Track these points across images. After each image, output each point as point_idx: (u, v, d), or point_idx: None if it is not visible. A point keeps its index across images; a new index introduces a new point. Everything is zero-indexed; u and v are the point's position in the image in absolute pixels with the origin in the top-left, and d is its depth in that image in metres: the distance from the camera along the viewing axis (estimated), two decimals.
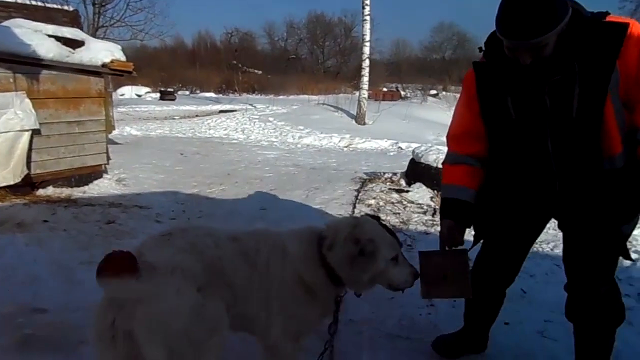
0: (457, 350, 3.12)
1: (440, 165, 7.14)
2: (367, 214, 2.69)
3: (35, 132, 5.76)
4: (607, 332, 2.59)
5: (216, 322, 2.20)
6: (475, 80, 2.46)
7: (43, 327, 3.06)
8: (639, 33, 2.09)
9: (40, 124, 5.79)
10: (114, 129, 8.74)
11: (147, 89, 38.48)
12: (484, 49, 2.38)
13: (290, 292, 2.34)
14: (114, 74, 6.62)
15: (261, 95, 39.97)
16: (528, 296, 4.13)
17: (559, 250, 5.06)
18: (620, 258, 2.43)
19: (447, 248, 2.68)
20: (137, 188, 6.93)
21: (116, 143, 11.11)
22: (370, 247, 2.25)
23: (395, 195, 6.83)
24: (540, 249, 5.18)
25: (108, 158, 7.03)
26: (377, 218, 2.48)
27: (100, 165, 6.81)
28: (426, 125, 20.55)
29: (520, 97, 2.29)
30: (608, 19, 2.14)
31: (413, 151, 7.48)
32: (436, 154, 7.00)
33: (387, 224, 2.61)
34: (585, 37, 2.10)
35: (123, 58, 6.49)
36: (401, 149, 13.93)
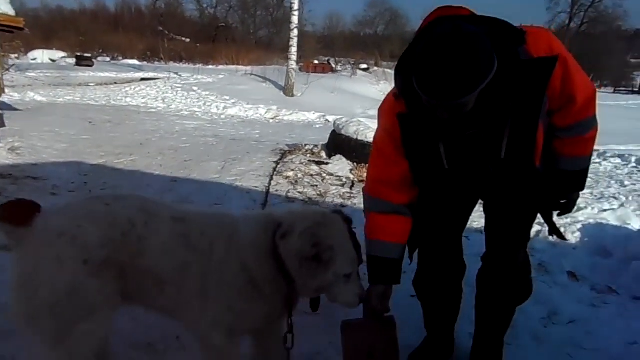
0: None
1: (360, 138, 7.13)
2: (336, 212, 2.20)
3: None
4: (512, 304, 2.59)
5: (93, 305, 1.97)
6: (400, 132, 2.21)
7: None
8: (559, 48, 2.03)
9: None
10: (3, 92, 7.86)
11: (63, 54, 35.65)
12: (399, 95, 2.14)
13: (232, 281, 2.07)
14: (1, 30, 5.89)
15: (189, 64, 38.29)
16: None
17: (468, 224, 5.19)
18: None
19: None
20: (33, 158, 6.30)
21: (14, 109, 10.10)
22: (327, 255, 1.98)
23: (314, 167, 6.71)
24: None
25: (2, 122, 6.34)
26: (349, 221, 2.15)
27: None
28: (354, 98, 20.64)
29: (449, 145, 2.15)
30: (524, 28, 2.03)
31: (334, 123, 7.38)
32: (356, 126, 6.94)
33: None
34: (514, 81, 1.96)
35: (12, 12, 5.78)
36: (328, 121, 13.81)
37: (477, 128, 2.05)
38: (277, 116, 14.52)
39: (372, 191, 2.38)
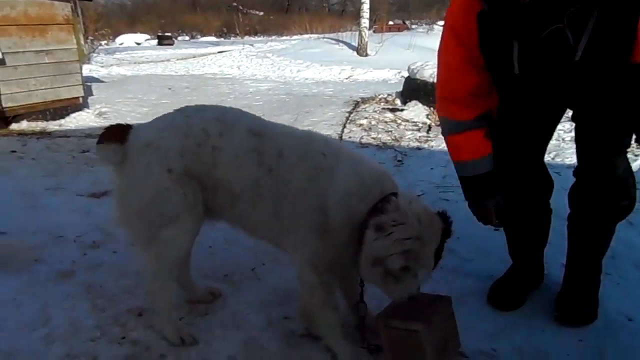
0: (520, 296, 2.56)
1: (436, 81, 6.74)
2: (440, 214, 1.90)
3: None
4: (612, 219, 2.30)
5: (176, 212, 2.06)
6: (478, 31, 2.01)
7: None
8: None
9: (3, 53, 5.43)
10: (88, 60, 8.32)
11: (147, 37, 37.64)
12: None
13: (305, 217, 1.98)
14: None
15: (263, 37, 38.76)
16: None
17: (559, 159, 4.75)
18: None
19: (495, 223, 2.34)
20: (118, 121, 6.64)
21: (100, 81, 10.73)
22: (404, 274, 1.80)
23: (389, 115, 6.47)
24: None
25: (85, 91, 6.70)
26: (448, 224, 1.90)
27: (77, 98, 6.49)
28: (432, 54, 19.64)
29: (523, 45, 1.93)
30: None
31: (408, 68, 7.02)
32: (432, 69, 6.55)
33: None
34: None
35: None
36: (404, 77, 13.36)
37: (557, 21, 1.80)
38: (350, 76, 14.23)
39: (442, 111, 2.31)
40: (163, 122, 2.14)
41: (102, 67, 14.75)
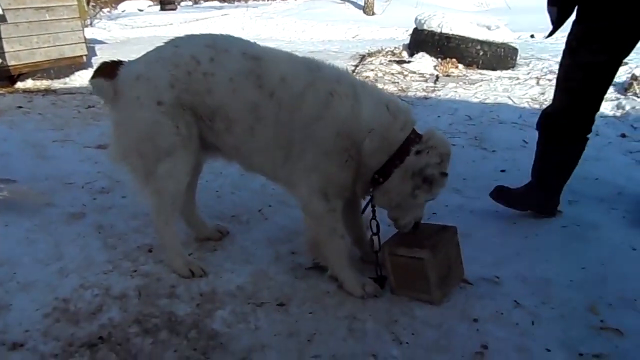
0: (521, 202, 2.75)
1: (444, 30, 6.59)
2: None
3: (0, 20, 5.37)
4: None
5: (171, 145, 2.07)
6: None
7: (10, 193, 2.92)
8: None
9: (3, 9, 5.38)
10: (88, 17, 8.21)
11: (149, 3, 37.01)
12: None
13: (322, 144, 1.98)
14: None
15: (267, 0, 37.88)
16: (529, 146, 3.82)
17: None
18: None
19: None
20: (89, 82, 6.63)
21: (104, 42, 10.63)
22: (439, 182, 2.00)
23: (395, 67, 6.38)
24: None
25: (89, 50, 6.65)
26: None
27: (81, 56, 6.47)
28: (442, 11, 19.23)
29: None
30: None
31: (415, 19, 6.87)
32: (440, 18, 6.41)
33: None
34: None
35: None
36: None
37: None
38: (357, 35, 13.95)
39: None
40: (152, 55, 2.12)
41: (105, 30, 14.58)
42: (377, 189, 2.05)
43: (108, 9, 23.99)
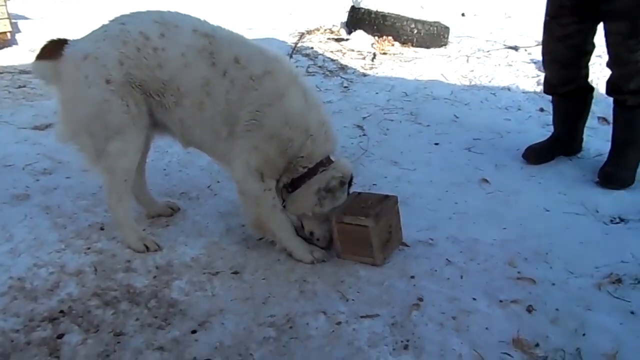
0: (549, 154, 3.25)
1: (380, 9, 6.79)
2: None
3: None
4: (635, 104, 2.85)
5: (121, 123, 2.12)
6: None
7: None
8: None
9: None
10: None
11: None
12: None
13: (271, 128, 2.12)
14: None
15: None
16: (460, 121, 4.13)
17: (496, 83, 5.04)
18: None
19: None
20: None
21: (27, 18, 9.98)
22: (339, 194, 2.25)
23: (334, 44, 6.51)
24: (478, 82, 5.14)
25: (13, 25, 6.28)
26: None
27: (5, 33, 6.09)
28: None
29: None
30: None
31: None
32: None
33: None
34: None
35: None
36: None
37: None
38: (292, 13, 13.89)
39: None
40: (98, 33, 2.14)
41: (28, 6, 13.61)
42: (288, 197, 2.28)
43: None
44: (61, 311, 1.89)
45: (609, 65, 2.89)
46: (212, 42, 2.11)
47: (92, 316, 1.88)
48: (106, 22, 2.19)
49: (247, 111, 2.12)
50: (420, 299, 2.01)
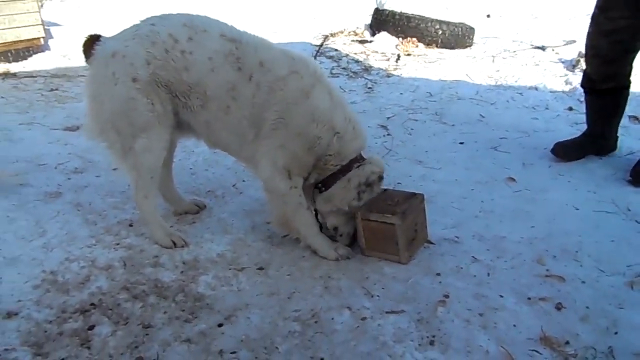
0: (580, 152, 3.19)
1: (404, 10, 6.77)
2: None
3: None
4: None
5: (146, 122, 2.16)
6: None
7: None
8: None
9: None
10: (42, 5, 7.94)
11: None
12: None
13: (297, 126, 2.15)
14: None
15: None
16: (486, 120, 4.09)
17: (522, 82, 4.97)
18: None
19: None
20: (84, 62, 6.48)
21: (58, 25, 10.29)
22: (377, 186, 2.29)
23: (358, 46, 6.53)
24: (504, 82, 5.07)
25: (46, 31, 6.48)
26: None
27: (38, 39, 6.29)
28: None
29: None
30: None
31: None
32: None
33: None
34: None
35: None
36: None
37: None
38: (316, 17, 13.95)
39: None
40: (128, 32, 2.19)
41: (58, 14, 14.03)
42: (319, 196, 2.29)
43: None
44: (92, 304, 1.94)
45: None
46: (239, 47, 2.14)
47: (122, 309, 1.92)
48: (137, 22, 2.24)
49: (274, 110, 2.14)
50: (446, 296, 1.99)
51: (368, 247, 2.28)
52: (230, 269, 2.20)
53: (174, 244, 2.34)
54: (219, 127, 2.24)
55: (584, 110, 3.89)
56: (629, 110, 3.76)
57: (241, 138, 2.24)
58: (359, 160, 2.27)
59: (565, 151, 3.18)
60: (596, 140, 3.17)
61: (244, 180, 3.08)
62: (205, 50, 2.12)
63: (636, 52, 2.94)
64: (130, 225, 2.53)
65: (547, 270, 2.14)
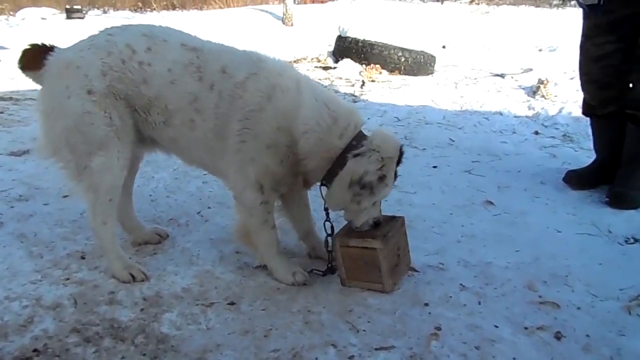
0: (592, 179, 3.06)
1: (367, 38, 6.80)
2: None
3: None
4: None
5: (103, 137, 1.95)
6: None
7: None
8: None
9: None
10: None
11: (54, 11, 34.62)
12: None
13: (264, 137, 1.92)
14: None
15: (182, 11, 37.05)
16: (456, 143, 4.05)
17: (487, 108, 5.02)
18: None
19: None
20: (32, 85, 6.08)
21: (5, 48, 9.82)
22: (379, 187, 1.94)
23: (321, 72, 6.49)
24: (469, 107, 5.10)
25: None
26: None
27: None
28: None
29: None
30: None
31: (339, 27, 7.03)
32: (362, 26, 6.60)
33: None
34: None
35: None
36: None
37: None
38: (275, 45, 14.01)
39: None
40: (84, 43, 1.99)
41: (5, 39, 13.45)
42: (326, 193, 2.05)
43: (5, 16, 22.01)
44: (35, 349, 1.66)
45: (633, 80, 2.76)
46: (200, 56, 1.97)
47: (71, 355, 1.65)
48: (95, 34, 2.04)
49: (237, 121, 1.95)
50: (438, 328, 1.83)
51: (349, 277, 2.10)
52: (197, 305, 1.96)
53: (133, 277, 2.08)
54: (186, 143, 2.05)
55: (550, 135, 3.93)
56: None
57: (211, 153, 2.05)
58: (354, 146, 1.92)
59: (579, 179, 3.06)
60: (607, 168, 3.03)
61: (209, 207, 2.86)
62: (165, 61, 1.94)
63: (631, 74, 2.87)
64: (82, 258, 2.25)
65: (540, 296, 2.02)
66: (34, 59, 1.96)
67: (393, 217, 2.20)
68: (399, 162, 2.04)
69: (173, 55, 1.95)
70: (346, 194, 1.94)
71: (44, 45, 2.00)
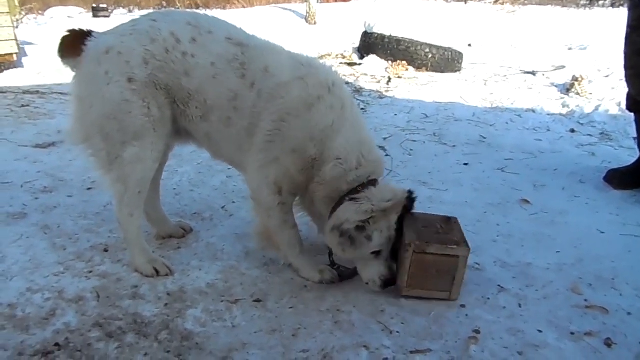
0: (635, 179, 2.90)
1: (393, 34, 6.68)
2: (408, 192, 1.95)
3: None
4: None
5: (140, 127, 1.88)
6: None
7: None
8: None
9: None
10: (19, 13, 7.66)
11: (81, 10, 35.30)
12: None
13: (296, 143, 1.86)
14: None
15: (206, 10, 37.37)
16: (488, 141, 3.90)
17: (518, 105, 4.85)
18: None
19: None
20: (58, 79, 6.15)
21: (33, 44, 9.96)
22: (360, 239, 1.82)
23: (347, 69, 6.37)
24: (500, 104, 4.94)
25: (21, 49, 6.16)
26: (411, 201, 1.94)
27: (12, 54, 5.97)
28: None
29: None
30: None
31: (364, 23, 6.91)
32: (388, 22, 6.47)
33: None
34: None
35: None
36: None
37: None
38: (300, 43, 13.97)
39: None
40: (125, 27, 1.91)
41: (34, 36, 13.70)
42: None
43: (34, 16, 22.49)
44: (56, 344, 1.60)
45: None
46: (245, 52, 1.89)
47: (93, 350, 1.59)
48: (137, 18, 1.97)
49: (271, 120, 1.87)
50: (477, 331, 1.71)
51: (411, 284, 1.89)
52: (222, 302, 1.88)
53: (157, 272, 2.02)
54: (218, 139, 1.98)
55: (587, 133, 3.75)
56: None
57: (241, 151, 1.98)
58: (357, 190, 1.88)
59: (622, 179, 2.90)
60: None
61: (233, 202, 2.78)
62: (209, 54, 1.86)
63: None
64: (106, 251, 2.20)
65: (586, 300, 1.89)
66: (73, 45, 1.89)
67: (449, 218, 2.03)
68: (408, 211, 1.92)
69: (218, 49, 1.87)
70: (332, 239, 1.85)
71: (81, 31, 1.92)
